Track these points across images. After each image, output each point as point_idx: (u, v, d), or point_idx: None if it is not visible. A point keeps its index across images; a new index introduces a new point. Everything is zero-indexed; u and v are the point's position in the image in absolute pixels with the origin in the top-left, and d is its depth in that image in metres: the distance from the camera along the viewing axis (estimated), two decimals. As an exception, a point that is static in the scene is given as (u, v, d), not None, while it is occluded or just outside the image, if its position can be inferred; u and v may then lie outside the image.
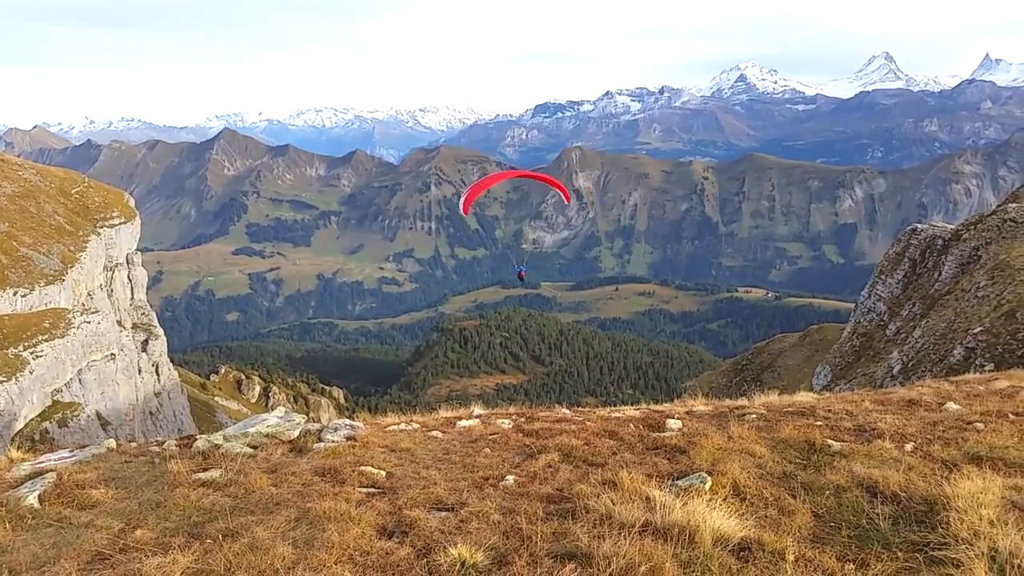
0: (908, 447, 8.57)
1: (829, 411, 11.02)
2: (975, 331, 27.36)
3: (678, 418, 10.53)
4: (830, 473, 7.65)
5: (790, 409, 11.42)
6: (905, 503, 6.63)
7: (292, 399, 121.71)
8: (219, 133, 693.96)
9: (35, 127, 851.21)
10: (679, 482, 7.27)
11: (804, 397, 13.61)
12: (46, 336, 43.12)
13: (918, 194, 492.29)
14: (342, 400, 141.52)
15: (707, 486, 7.08)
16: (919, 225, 44.22)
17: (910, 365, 31.56)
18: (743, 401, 12.76)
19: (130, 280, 70.78)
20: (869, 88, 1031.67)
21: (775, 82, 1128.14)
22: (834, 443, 8.79)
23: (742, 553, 5.66)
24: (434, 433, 10.26)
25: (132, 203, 72.79)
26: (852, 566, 5.53)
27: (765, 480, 7.53)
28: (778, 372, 71.17)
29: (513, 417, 11.38)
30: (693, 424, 10.18)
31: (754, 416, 10.76)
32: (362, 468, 8.28)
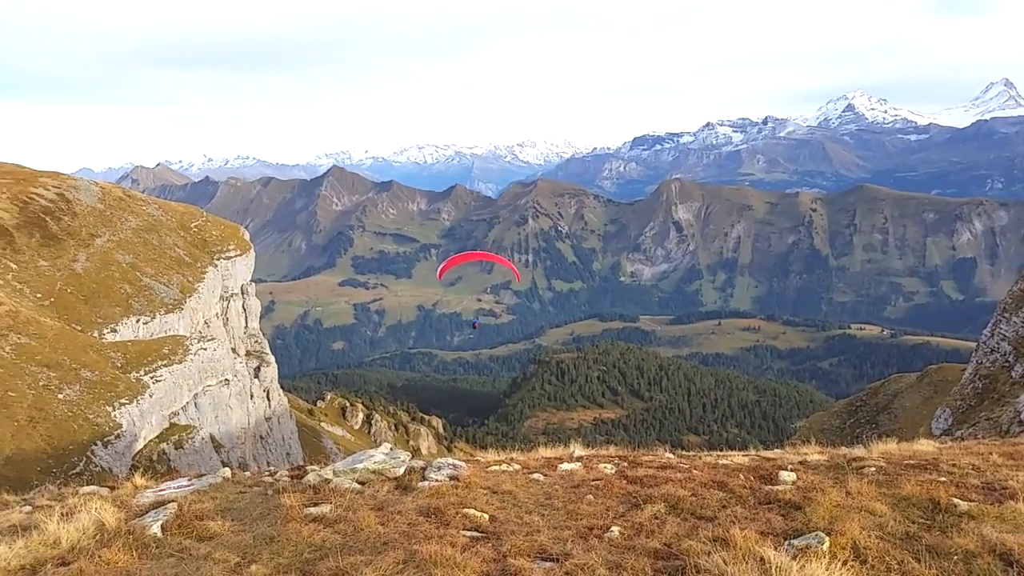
0: (1047, 511, 7.93)
1: (954, 465, 10.40)
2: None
3: (791, 469, 10.13)
4: (958, 536, 7.18)
5: (911, 461, 10.85)
6: (1047, 575, 6.13)
7: (393, 427, 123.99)
8: (328, 170, 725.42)
9: (158, 165, 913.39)
10: (795, 541, 6.96)
11: (925, 447, 12.92)
12: (165, 362, 45.42)
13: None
14: (441, 429, 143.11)
15: (825, 547, 6.75)
16: (1050, 261, 41.25)
17: (1042, 412, 29.32)
18: (860, 451, 12.23)
19: (244, 309, 74.10)
20: (987, 116, 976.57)
21: (885, 111, 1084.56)
22: (961, 502, 8.26)
23: (865, 623, 5.35)
24: (535, 476, 10.23)
25: (247, 237, 76.34)
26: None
27: (887, 541, 7.13)
28: (894, 414, 67.43)
29: (616, 461, 11.22)
30: (808, 476, 9.77)
31: (873, 469, 10.27)
32: (465, 510, 8.33)
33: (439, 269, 31.23)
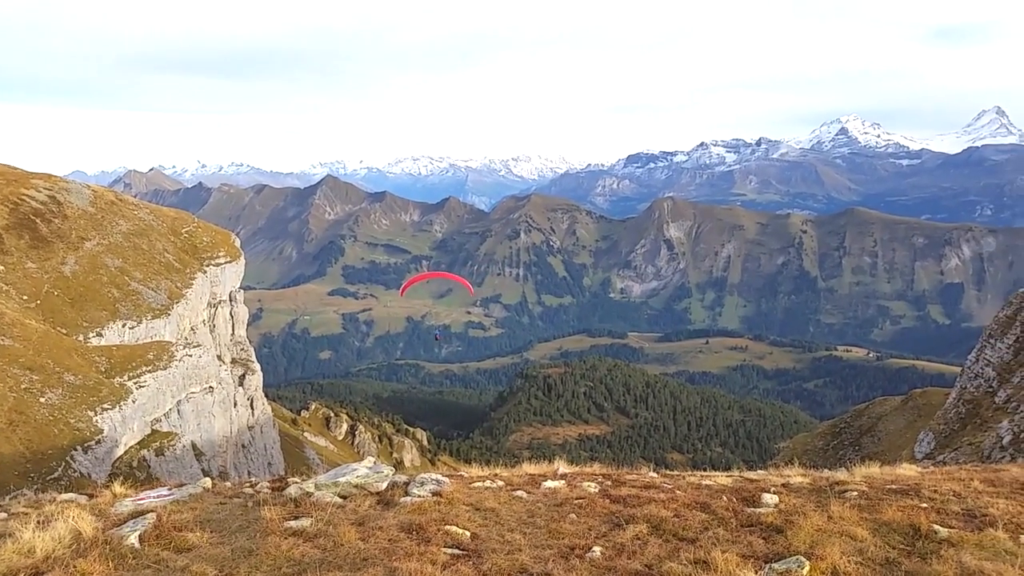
0: (1025, 539, 7.96)
1: (935, 491, 10.42)
2: (1101, 407, 25.36)
3: (774, 492, 10.13)
4: (937, 563, 7.20)
5: (893, 486, 10.87)
6: (1025, 606, 6.13)
7: (377, 438, 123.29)
8: (322, 179, 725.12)
9: (151, 169, 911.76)
10: (775, 565, 6.95)
11: (907, 471, 12.95)
12: (150, 367, 45.03)
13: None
14: (425, 442, 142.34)
15: (805, 571, 6.75)
16: (1035, 288, 41.60)
17: (1022, 436, 29.51)
18: (843, 474, 12.24)
19: (232, 317, 73.70)
20: (978, 143, 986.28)
21: (878, 136, 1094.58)
22: (941, 529, 8.28)
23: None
24: (519, 493, 10.18)
25: (238, 244, 76.06)
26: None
27: (867, 567, 7.14)
28: (878, 437, 67.63)
29: (599, 479, 11.19)
30: (790, 500, 9.77)
31: (855, 493, 10.28)
32: (447, 527, 8.28)
33: (401, 288, 33.95)
